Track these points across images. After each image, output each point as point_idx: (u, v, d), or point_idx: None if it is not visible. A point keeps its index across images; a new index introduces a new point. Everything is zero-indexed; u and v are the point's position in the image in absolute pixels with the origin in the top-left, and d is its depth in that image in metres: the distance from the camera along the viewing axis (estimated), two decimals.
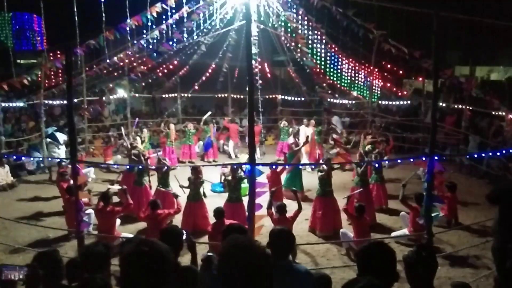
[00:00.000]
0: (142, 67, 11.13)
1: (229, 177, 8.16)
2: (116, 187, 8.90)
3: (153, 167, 9.70)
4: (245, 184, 9.11)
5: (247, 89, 5.23)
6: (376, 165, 9.45)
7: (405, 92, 16.45)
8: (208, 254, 3.36)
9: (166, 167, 8.80)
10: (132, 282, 1.76)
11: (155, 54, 10.58)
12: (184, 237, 3.44)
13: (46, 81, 13.52)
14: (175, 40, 11.00)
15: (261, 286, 1.68)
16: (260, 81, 11.63)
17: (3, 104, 13.27)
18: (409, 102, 17.16)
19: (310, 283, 3.19)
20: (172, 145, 13.44)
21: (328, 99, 15.69)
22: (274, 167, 9.45)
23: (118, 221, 7.73)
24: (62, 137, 12.07)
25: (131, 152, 9.97)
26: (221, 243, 3.31)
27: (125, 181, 9.44)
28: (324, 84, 15.96)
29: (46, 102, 13.86)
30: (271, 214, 6.79)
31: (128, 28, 10.01)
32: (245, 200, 7.05)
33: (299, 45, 10.99)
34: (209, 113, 15.50)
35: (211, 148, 14.16)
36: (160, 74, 15.14)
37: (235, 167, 8.30)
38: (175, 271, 3.08)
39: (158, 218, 6.95)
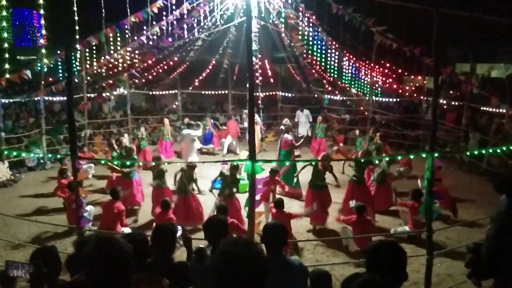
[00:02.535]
0: (143, 63, 11.09)
1: (227, 173, 8.07)
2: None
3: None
4: (245, 181, 9.12)
5: (247, 86, 5.20)
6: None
7: (407, 88, 16.39)
8: (200, 246, 3.39)
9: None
10: (96, 280, 1.83)
11: (155, 50, 10.56)
12: (180, 233, 3.45)
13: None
14: (175, 36, 10.96)
15: (253, 280, 1.70)
16: (260, 78, 11.60)
17: (3, 101, 13.25)
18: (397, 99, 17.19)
19: (304, 276, 3.21)
20: (168, 139, 13.52)
21: (324, 96, 15.75)
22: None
23: None
24: (195, 133, 11.92)
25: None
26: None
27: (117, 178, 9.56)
28: (324, 81, 16.01)
29: (46, 98, 13.86)
30: (271, 208, 6.89)
31: (128, 25, 9.98)
32: (245, 196, 7.05)
33: (298, 42, 10.97)
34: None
35: (212, 138, 14.31)
36: (160, 70, 15.12)
37: (235, 165, 8.28)
38: (167, 268, 3.13)
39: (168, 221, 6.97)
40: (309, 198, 8.25)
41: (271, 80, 15.52)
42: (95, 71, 13.36)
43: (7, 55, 10.35)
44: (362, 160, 8.82)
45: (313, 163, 8.43)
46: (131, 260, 1.94)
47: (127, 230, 7.31)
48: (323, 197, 8.19)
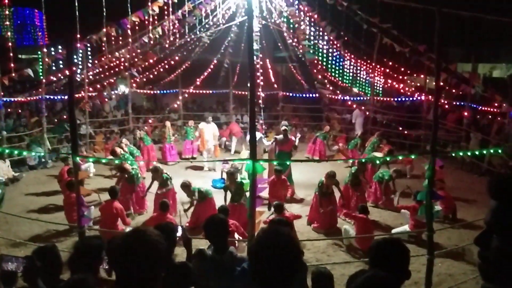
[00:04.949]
0: (145, 62, 11.10)
1: (228, 183, 8.20)
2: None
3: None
4: (246, 181, 9.13)
5: (249, 85, 5.19)
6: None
7: (407, 88, 16.35)
8: (200, 248, 3.41)
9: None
10: (125, 274, 1.76)
11: (156, 49, 10.57)
12: (180, 233, 3.45)
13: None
14: (177, 35, 10.97)
15: (287, 272, 1.76)
16: (262, 77, 11.57)
17: (4, 99, 13.25)
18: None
19: (303, 272, 3.23)
20: (171, 142, 13.53)
21: (328, 96, 15.70)
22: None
23: None
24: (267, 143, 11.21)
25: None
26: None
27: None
28: (326, 80, 15.98)
29: (48, 97, 13.88)
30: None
31: (129, 25, 9.98)
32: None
33: (304, 42, 10.93)
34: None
35: None
36: (162, 69, 15.11)
37: (231, 170, 8.29)
38: (168, 267, 3.12)
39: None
40: (316, 204, 8.26)
41: (272, 79, 15.52)
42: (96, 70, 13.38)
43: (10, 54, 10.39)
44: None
45: (319, 184, 8.33)
46: (164, 257, 1.86)
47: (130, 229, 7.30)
48: (329, 203, 8.19)
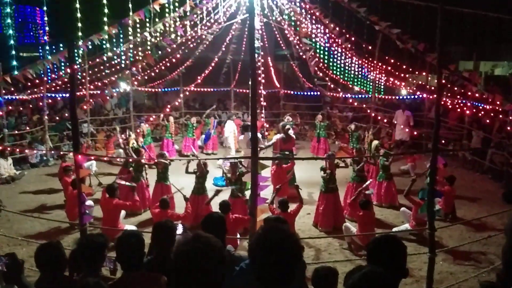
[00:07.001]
0: (143, 62, 11.08)
1: (229, 174, 8.21)
2: (123, 182, 8.44)
3: (150, 163, 9.76)
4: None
5: (250, 83, 5.18)
6: (386, 162, 9.43)
7: (408, 88, 16.31)
8: None
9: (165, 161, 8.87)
10: (187, 280, 1.79)
11: (159, 51, 10.53)
12: (181, 231, 3.44)
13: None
14: (179, 33, 10.94)
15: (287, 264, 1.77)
16: (263, 75, 11.56)
17: (5, 97, 13.25)
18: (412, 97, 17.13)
19: (302, 270, 3.30)
20: (171, 138, 13.53)
21: (329, 94, 15.69)
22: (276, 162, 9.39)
23: (123, 213, 7.79)
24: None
25: (125, 151, 10.13)
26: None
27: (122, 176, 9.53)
28: (327, 78, 15.95)
29: (49, 95, 13.90)
30: (273, 209, 6.82)
31: (130, 23, 9.96)
32: (248, 193, 7.07)
33: (306, 38, 10.93)
34: (213, 107, 15.55)
35: (210, 140, 14.25)
36: (163, 67, 15.10)
37: (234, 162, 8.32)
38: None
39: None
40: (319, 202, 8.27)
41: (274, 77, 15.48)
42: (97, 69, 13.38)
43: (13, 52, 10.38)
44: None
45: (321, 169, 8.38)
46: (225, 262, 1.90)
47: (131, 227, 7.31)
48: (333, 201, 8.21)
